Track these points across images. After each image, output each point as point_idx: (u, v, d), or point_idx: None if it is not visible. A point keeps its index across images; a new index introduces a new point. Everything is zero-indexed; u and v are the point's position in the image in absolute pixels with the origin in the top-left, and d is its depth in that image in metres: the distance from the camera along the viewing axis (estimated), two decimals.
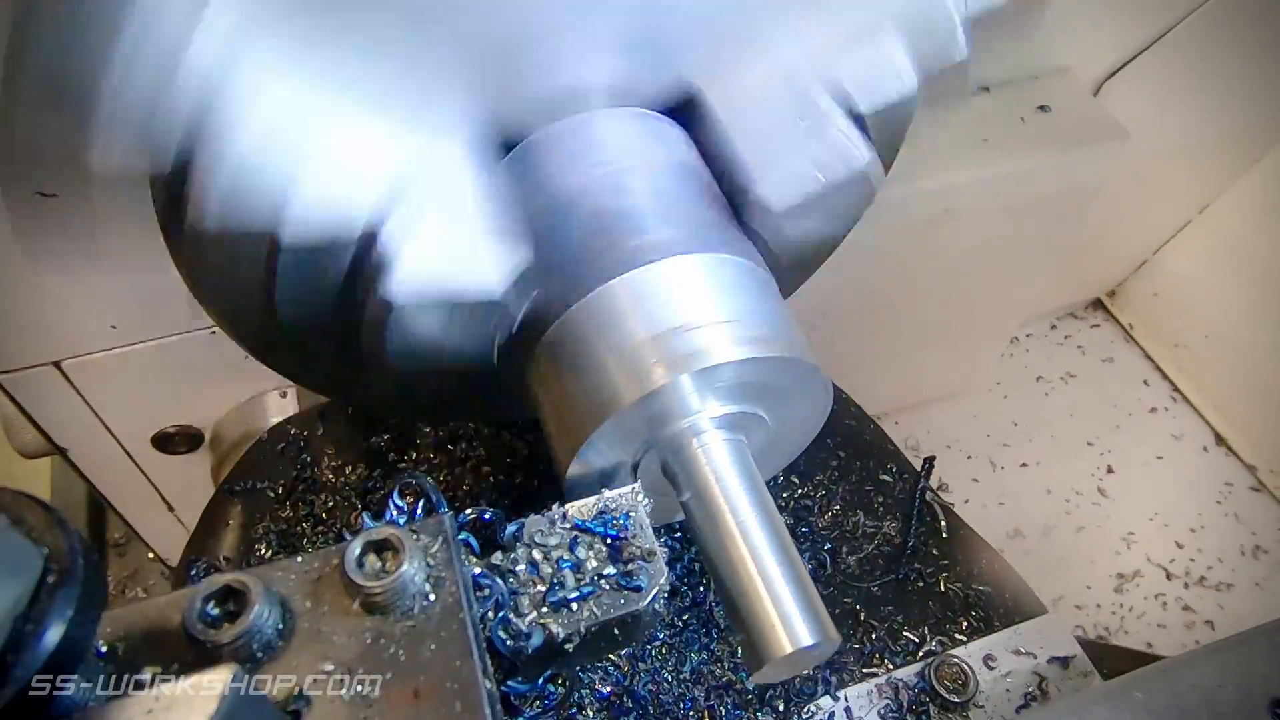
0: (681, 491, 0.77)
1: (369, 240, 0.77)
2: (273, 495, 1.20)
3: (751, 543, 0.72)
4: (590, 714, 0.94)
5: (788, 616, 0.68)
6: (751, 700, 0.99)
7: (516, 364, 0.84)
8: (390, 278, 0.77)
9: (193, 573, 1.12)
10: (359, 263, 0.79)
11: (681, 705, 0.98)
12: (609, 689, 0.96)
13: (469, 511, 0.76)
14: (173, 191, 0.76)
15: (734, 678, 1.01)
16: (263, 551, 1.14)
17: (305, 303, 0.84)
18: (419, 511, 0.74)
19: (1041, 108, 1.75)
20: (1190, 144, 2.18)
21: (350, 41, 0.70)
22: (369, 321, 0.82)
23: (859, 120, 0.86)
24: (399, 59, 0.72)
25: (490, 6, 0.72)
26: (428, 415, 1.24)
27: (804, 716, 0.99)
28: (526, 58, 0.77)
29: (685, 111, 0.88)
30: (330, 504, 1.18)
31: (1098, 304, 2.94)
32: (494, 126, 0.82)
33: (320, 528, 1.16)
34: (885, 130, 0.90)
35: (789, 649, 0.67)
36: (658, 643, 1.02)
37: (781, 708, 0.99)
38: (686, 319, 0.73)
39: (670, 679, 1.00)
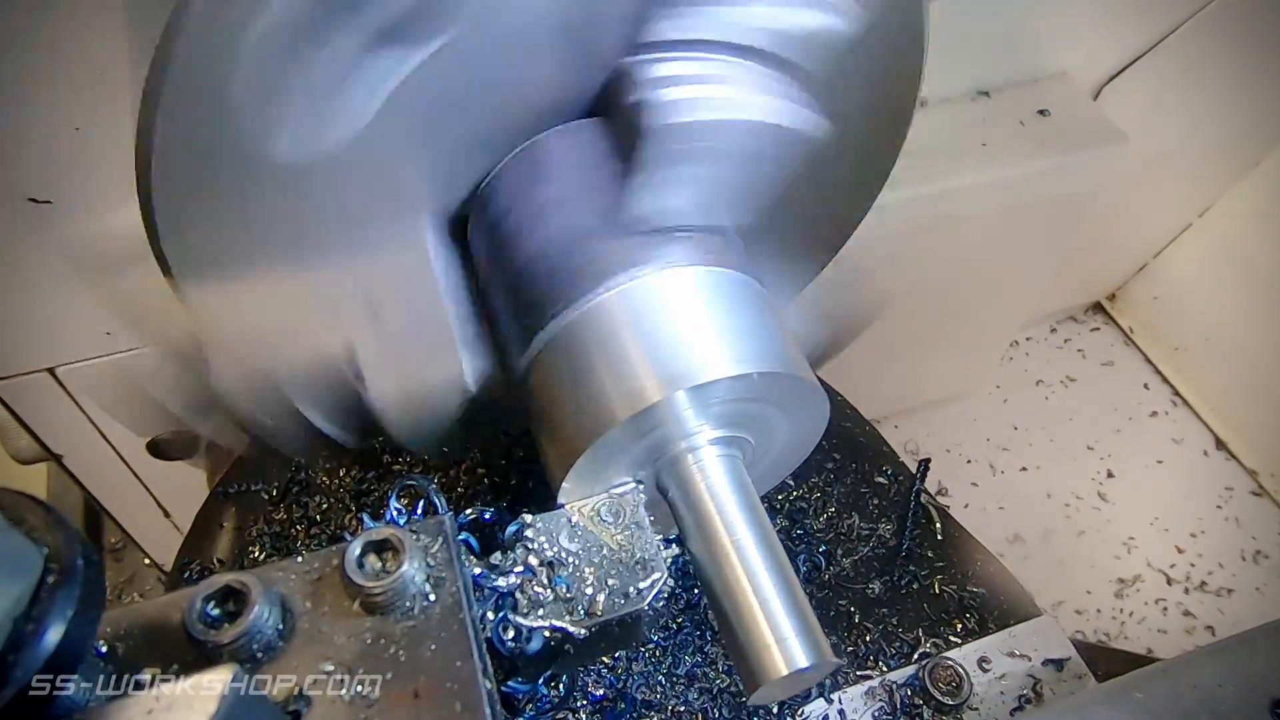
0: (676, 509, 0.76)
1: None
2: (266, 498, 1.20)
3: (747, 563, 0.71)
4: (584, 716, 0.94)
5: (784, 638, 0.68)
6: (745, 703, 0.99)
7: (513, 382, 0.85)
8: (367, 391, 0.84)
9: (186, 575, 1.11)
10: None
11: (675, 708, 0.97)
12: (602, 691, 0.95)
13: (469, 511, 0.76)
14: None
15: (728, 680, 1.00)
16: (256, 554, 1.13)
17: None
18: (418, 512, 0.74)
19: (1041, 112, 1.75)
20: (1189, 148, 2.18)
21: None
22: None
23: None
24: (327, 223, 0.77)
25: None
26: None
27: (799, 718, 0.99)
28: (458, 111, 0.78)
29: None
30: (324, 506, 1.18)
31: (1098, 307, 2.94)
32: (448, 202, 0.86)
33: (314, 529, 1.16)
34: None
35: (785, 671, 0.66)
36: (651, 645, 1.02)
37: (775, 709, 0.99)
38: (680, 334, 0.72)
39: (664, 681, 0.99)
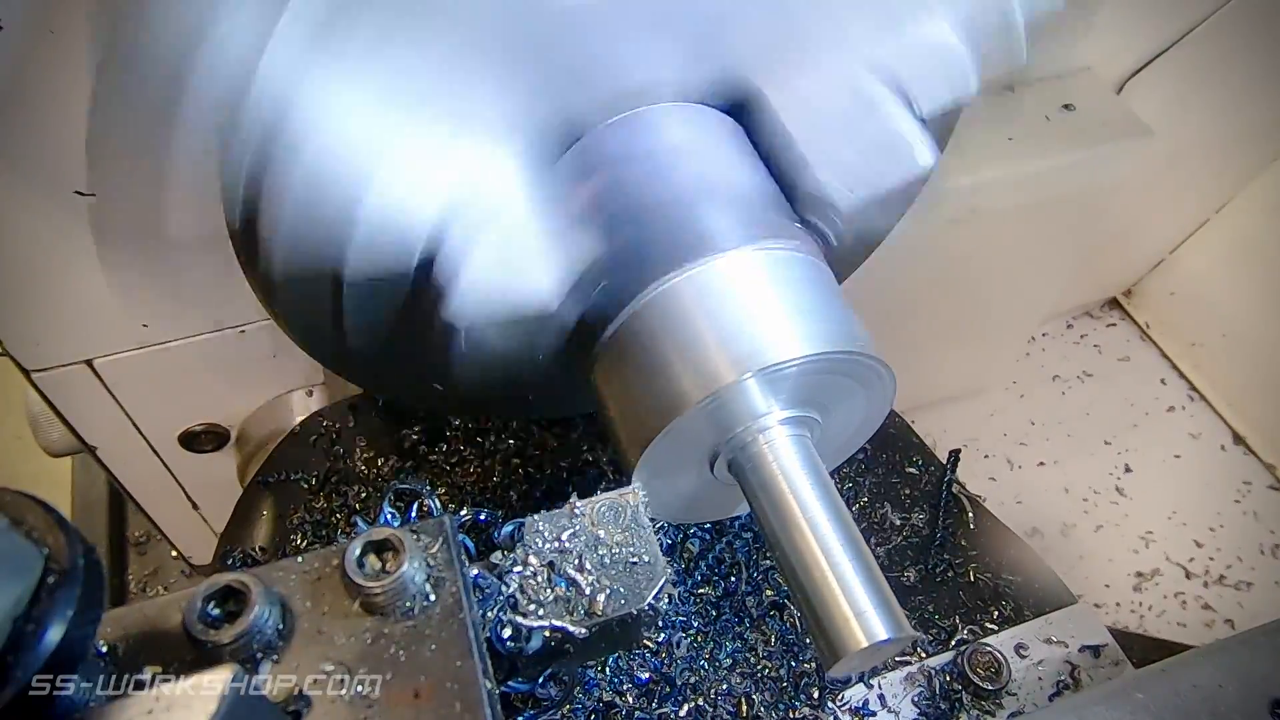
0: (750, 489, 0.77)
1: (427, 268, 0.80)
2: (306, 487, 1.21)
3: (822, 538, 0.72)
4: (629, 699, 0.95)
5: (862, 611, 0.69)
6: (787, 688, 1.00)
7: (580, 363, 0.85)
8: (449, 301, 0.79)
9: (230, 563, 1.13)
10: (420, 289, 0.82)
11: (718, 689, 0.98)
12: (647, 675, 0.97)
13: (464, 514, 0.77)
14: (247, 235, 0.79)
15: (769, 664, 1.02)
16: (299, 541, 1.15)
17: (373, 330, 0.88)
18: (413, 514, 0.75)
19: (1066, 106, 1.75)
20: (1209, 143, 2.18)
21: (409, 51, 0.71)
22: (433, 343, 0.84)
23: (922, 120, 0.87)
24: (458, 65, 0.73)
25: (551, 7, 0.73)
26: (496, 413, 1.27)
27: (838, 704, 1.00)
28: (586, 56, 0.77)
29: (743, 109, 0.89)
30: (363, 495, 1.19)
31: (1114, 303, 2.94)
32: (552, 126, 0.82)
33: (354, 518, 1.17)
34: (939, 126, 0.91)
35: (865, 643, 0.67)
36: (693, 631, 1.03)
37: (816, 695, 1.00)
38: (751, 316, 0.73)
39: (707, 666, 1.00)
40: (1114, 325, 2.91)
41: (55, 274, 1.25)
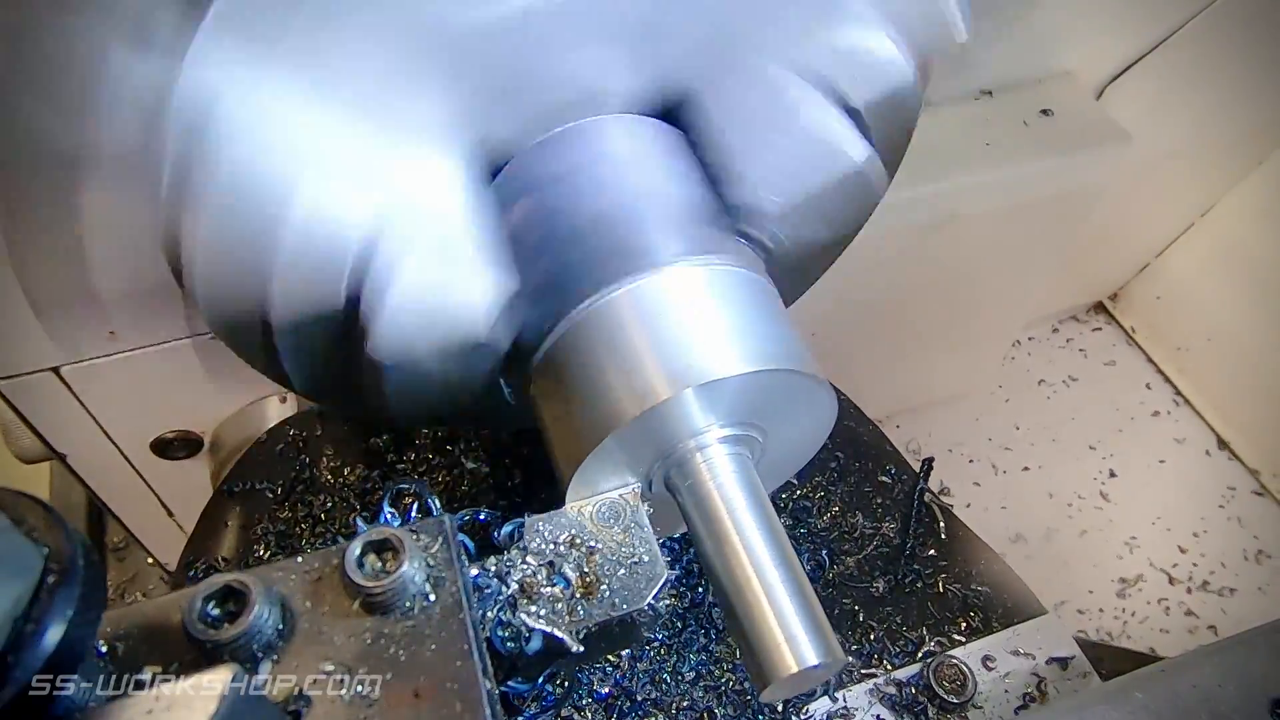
0: (685, 507, 0.76)
1: (355, 301, 0.78)
2: (271, 496, 1.20)
3: (756, 561, 0.71)
4: (589, 714, 0.94)
5: (793, 636, 0.68)
6: (750, 701, 0.99)
7: (518, 379, 0.84)
8: (375, 332, 0.77)
9: (192, 574, 1.12)
10: (349, 325, 0.80)
11: (680, 706, 0.97)
12: (607, 689, 0.96)
13: (464, 513, 0.76)
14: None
15: (734, 678, 1.01)
16: (261, 552, 1.14)
17: (308, 367, 0.87)
18: (412, 515, 0.74)
19: (1044, 111, 1.75)
20: (1192, 147, 2.18)
21: (334, 59, 0.69)
22: (365, 374, 0.82)
23: (856, 115, 0.86)
24: (385, 75, 0.71)
25: (481, 16, 0.72)
26: (442, 425, 1.25)
27: (803, 717, 0.99)
28: (520, 68, 0.76)
29: (677, 116, 0.88)
30: (329, 505, 1.18)
31: (1100, 307, 2.94)
32: (486, 140, 0.81)
33: (319, 528, 1.16)
34: (888, 125, 0.90)
35: (794, 668, 0.67)
36: (656, 643, 1.02)
37: (780, 708, 0.99)
38: (689, 332, 0.72)
39: (669, 680, 0.99)
40: (1100, 329, 2.91)
41: (16, 279, 1.23)
